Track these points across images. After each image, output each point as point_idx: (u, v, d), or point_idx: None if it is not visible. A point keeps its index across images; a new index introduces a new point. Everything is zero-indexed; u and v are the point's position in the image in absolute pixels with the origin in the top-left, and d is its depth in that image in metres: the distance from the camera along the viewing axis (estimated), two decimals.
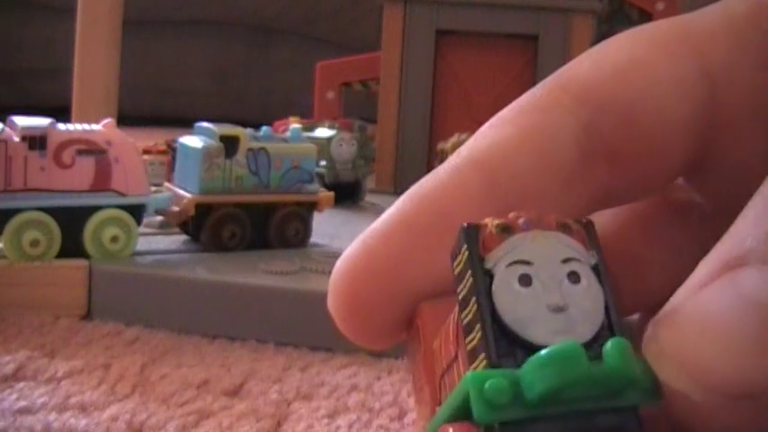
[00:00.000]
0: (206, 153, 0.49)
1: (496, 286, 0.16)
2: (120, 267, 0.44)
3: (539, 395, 0.15)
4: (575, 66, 0.23)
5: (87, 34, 0.68)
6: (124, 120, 0.50)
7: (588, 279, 0.16)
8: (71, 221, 0.44)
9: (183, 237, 0.51)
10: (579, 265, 0.16)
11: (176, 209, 0.49)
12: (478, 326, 0.16)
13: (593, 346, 0.16)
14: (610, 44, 0.23)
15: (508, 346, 0.16)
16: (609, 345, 0.15)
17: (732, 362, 0.15)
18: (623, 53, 0.22)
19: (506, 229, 0.17)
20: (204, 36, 1.83)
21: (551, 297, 0.16)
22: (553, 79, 0.22)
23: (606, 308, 0.16)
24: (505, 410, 0.15)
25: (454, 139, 0.65)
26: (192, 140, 0.50)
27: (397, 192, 0.84)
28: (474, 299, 0.16)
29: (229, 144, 0.49)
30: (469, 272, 0.16)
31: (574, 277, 0.16)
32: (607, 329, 0.16)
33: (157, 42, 1.78)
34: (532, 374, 0.15)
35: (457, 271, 0.17)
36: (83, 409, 0.32)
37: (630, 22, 1.03)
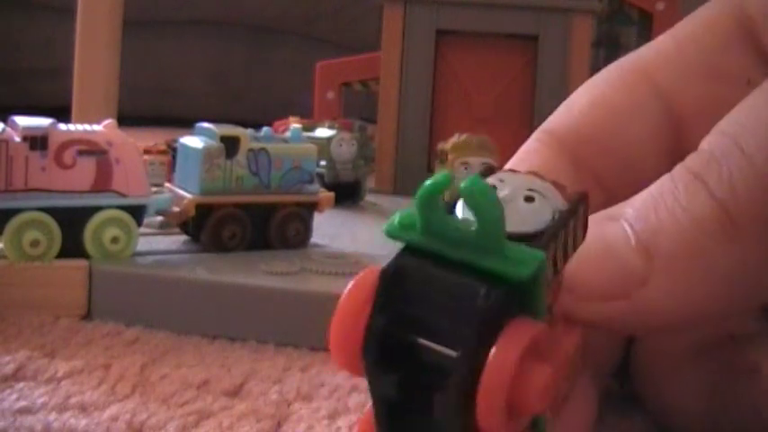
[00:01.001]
0: (206, 153, 0.49)
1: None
2: (120, 268, 0.44)
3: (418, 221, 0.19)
4: (555, 115, 0.27)
5: (87, 34, 0.68)
6: (124, 120, 0.50)
7: (541, 204, 0.20)
8: (71, 222, 0.44)
9: (184, 237, 0.51)
10: (540, 197, 0.20)
11: (177, 209, 0.49)
12: None
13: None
14: (578, 92, 0.28)
15: None
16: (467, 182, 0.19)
17: (586, 274, 0.20)
18: (588, 96, 0.27)
19: (510, 171, 0.21)
20: (204, 36, 1.83)
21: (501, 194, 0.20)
22: (541, 129, 0.27)
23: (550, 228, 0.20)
24: (403, 232, 0.19)
25: (454, 139, 0.65)
26: (192, 141, 0.50)
27: (397, 192, 0.85)
28: None
29: (230, 144, 0.49)
30: None
31: (529, 200, 0.20)
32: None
33: (158, 43, 1.78)
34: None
35: None
36: (83, 409, 0.32)
37: (631, 22, 1.03)
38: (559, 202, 0.20)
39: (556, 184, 0.21)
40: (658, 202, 0.21)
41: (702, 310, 0.21)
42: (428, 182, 0.19)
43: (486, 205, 0.18)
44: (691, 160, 0.22)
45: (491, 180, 0.21)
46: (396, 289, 0.19)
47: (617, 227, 0.21)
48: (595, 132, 0.26)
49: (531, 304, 0.19)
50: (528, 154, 0.27)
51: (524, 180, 0.21)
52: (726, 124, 0.22)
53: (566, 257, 0.20)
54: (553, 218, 0.20)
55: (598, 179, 0.25)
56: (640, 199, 0.22)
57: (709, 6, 0.27)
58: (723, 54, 0.26)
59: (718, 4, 0.26)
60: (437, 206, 0.19)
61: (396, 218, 0.19)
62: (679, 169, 0.22)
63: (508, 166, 0.27)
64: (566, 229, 0.20)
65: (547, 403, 0.18)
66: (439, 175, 0.19)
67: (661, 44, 0.27)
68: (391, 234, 0.19)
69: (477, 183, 0.18)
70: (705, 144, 0.22)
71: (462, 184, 0.18)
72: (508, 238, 0.18)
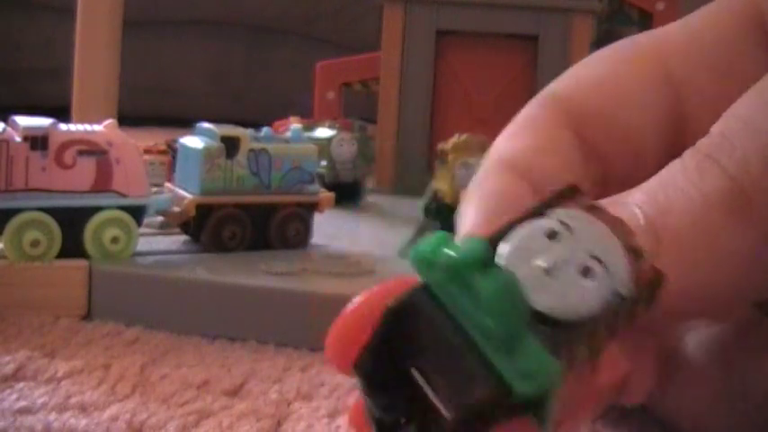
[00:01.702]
0: (207, 154, 0.49)
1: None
2: (120, 268, 0.44)
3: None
4: (560, 82, 0.27)
5: (87, 34, 0.68)
6: (124, 120, 0.51)
7: (600, 284, 0.17)
8: (72, 222, 0.44)
9: (184, 237, 0.51)
10: (603, 271, 0.17)
11: (177, 209, 0.49)
12: None
13: None
14: (587, 62, 0.27)
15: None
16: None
17: None
18: (598, 70, 0.27)
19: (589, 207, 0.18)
20: (204, 36, 1.83)
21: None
22: (544, 94, 0.26)
23: None
24: (425, 268, 0.17)
25: (454, 139, 0.65)
26: (192, 141, 0.50)
27: (397, 192, 0.85)
28: None
29: (230, 145, 0.49)
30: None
31: (586, 272, 0.17)
32: None
33: (157, 42, 1.78)
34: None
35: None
36: (83, 409, 0.32)
37: (631, 22, 1.03)
38: (625, 281, 0.17)
39: (634, 250, 0.17)
40: (668, 183, 0.21)
41: (713, 293, 0.21)
42: (458, 252, 0.16)
43: (502, 308, 0.16)
44: (701, 143, 0.21)
45: (551, 223, 0.17)
46: (401, 324, 0.17)
47: (624, 209, 0.21)
48: (602, 108, 0.26)
49: (539, 411, 0.16)
50: (531, 120, 0.27)
51: (591, 237, 0.17)
52: (736, 108, 0.22)
53: (613, 333, 0.17)
54: (608, 304, 0.16)
55: (599, 154, 0.25)
56: (649, 183, 0.21)
57: (723, 3, 0.27)
58: (737, 54, 0.26)
59: (731, 1, 0.26)
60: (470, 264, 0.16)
61: (423, 245, 0.17)
62: (689, 152, 0.21)
63: (508, 130, 0.26)
64: (623, 314, 0.17)
65: None
66: (469, 243, 0.16)
67: (675, 33, 0.27)
68: (413, 263, 0.17)
69: (499, 280, 0.16)
70: (715, 128, 0.21)
71: (486, 282, 0.16)
72: (539, 319, 0.16)
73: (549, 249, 0.17)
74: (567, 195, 0.18)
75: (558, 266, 0.17)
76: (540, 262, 0.17)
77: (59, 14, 1.37)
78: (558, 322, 0.16)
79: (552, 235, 0.17)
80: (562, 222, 0.17)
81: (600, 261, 0.17)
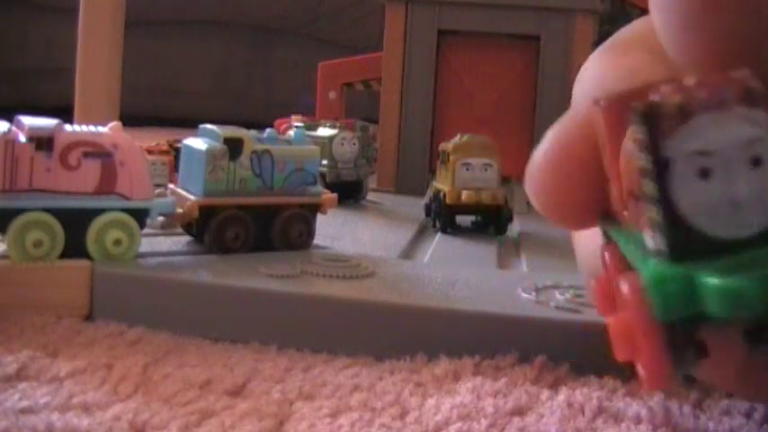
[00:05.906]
0: (210, 155, 0.49)
1: (677, 176, 0.16)
2: (122, 269, 0.44)
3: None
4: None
5: (89, 34, 0.68)
6: (126, 120, 0.51)
7: None
8: (75, 223, 0.44)
9: (186, 238, 0.51)
10: (762, 145, 0.16)
11: (180, 211, 0.49)
12: (655, 208, 0.17)
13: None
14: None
15: (681, 234, 0.17)
16: None
17: None
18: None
19: (685, 113, 0.16)
20: (206, 37, 1.84)
21: (729, 191, 0.16)
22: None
23: None
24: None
25: (456, 139, 0.65)
26: (196, 142, 0.51)
27: (399, 191, 0.85)
28: (650, 182, 0.17)
29: (233, 146, 0.50)
30: (645, 155, 0.17)
31: (755, 161, 0.16)
32: None
33: (160, 43, 1.78)
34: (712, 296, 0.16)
35: (632, 142, 0.17)
36: (85, 408, 0.32)
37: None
38: None
39: (748, 94, 0.16)
40: None
41: None
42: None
43: None
44: None
45: (695, 159, 0.16)
46: None
47: None
48: None
49: None
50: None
51: (734, 132, 0.16)
52: None
53: None
54: None
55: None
56: None
57: None
58: None
59: None
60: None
61: (661, 298, 0.17)
62: None
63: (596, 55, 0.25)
64: None
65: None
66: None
67: None
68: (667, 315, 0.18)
69: None
70: None
71: None
72: (709, 246, 0.16)
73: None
74: None
75: (739, 200, 0.17)
76: (729, 196, 0.17)
77: (61, 14, 1.37)
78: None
79: (704, 173, 0.17)
80: (700, 153, 0.17)
81: (755, 141, 0.17)
